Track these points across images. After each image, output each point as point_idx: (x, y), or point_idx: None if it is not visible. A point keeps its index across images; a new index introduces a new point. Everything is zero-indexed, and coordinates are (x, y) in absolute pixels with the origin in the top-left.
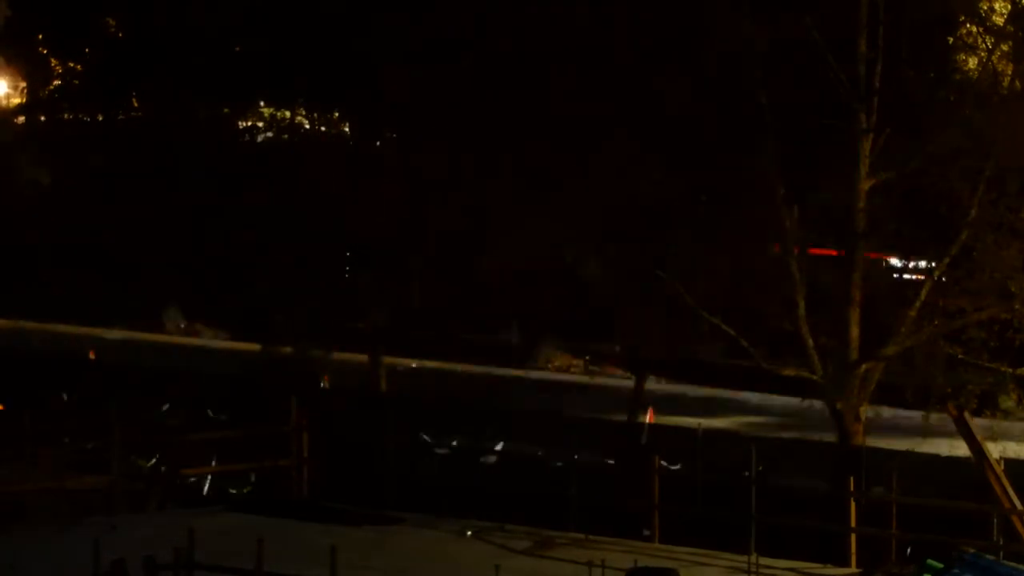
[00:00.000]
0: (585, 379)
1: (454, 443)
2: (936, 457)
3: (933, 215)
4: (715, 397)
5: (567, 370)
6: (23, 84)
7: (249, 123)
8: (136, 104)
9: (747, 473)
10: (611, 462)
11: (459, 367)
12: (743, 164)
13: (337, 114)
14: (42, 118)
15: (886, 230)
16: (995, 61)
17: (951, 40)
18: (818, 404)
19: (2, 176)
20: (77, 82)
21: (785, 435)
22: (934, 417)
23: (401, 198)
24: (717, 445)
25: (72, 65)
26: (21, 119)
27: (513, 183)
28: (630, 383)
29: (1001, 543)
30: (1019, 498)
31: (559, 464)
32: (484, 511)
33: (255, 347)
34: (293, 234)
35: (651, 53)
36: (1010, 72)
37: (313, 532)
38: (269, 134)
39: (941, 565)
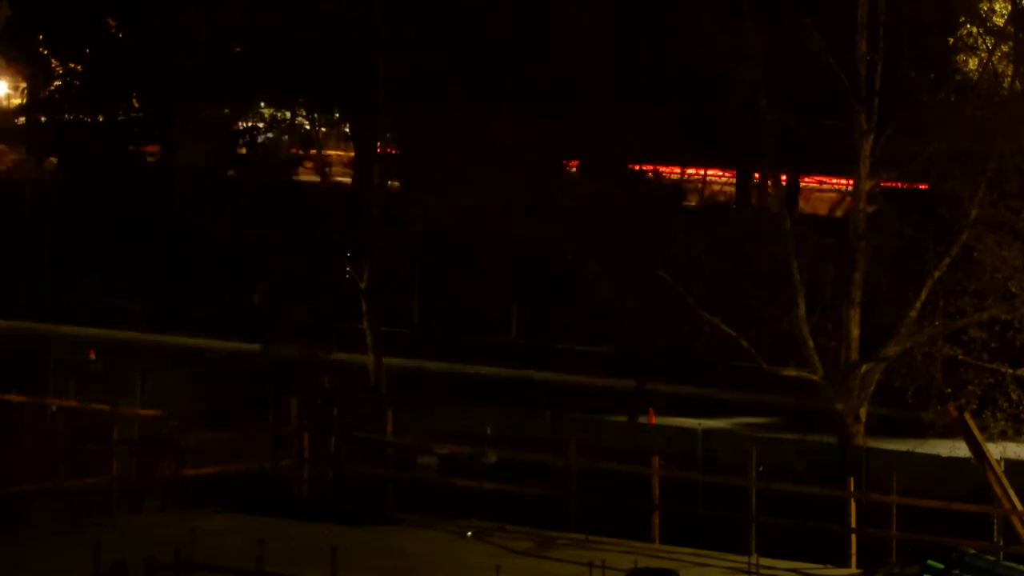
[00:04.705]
0: (586, 379)
1: (454, 443)
2: (936, 457)
3: (933, 215)
4: (714, 398)
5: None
6: (23, 84)
7: (249, 123)
8: (136, 104)
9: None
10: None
11: (459, 367)
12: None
13: (338, 114)
14: (42, 118)
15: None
16: (995, 62)
17: (951, 41)
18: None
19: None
20: (77, 82)
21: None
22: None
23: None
24: (717, 445)
25: (72, 65)
26: (21, 119)
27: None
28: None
29: (1001, 544)
30: (1019, 498)
31: (559, 464)
32: (484, 511)
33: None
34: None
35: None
36: (1010, 73)
37: (313, 532)
38: (270, 135)
39: (941, 565)
